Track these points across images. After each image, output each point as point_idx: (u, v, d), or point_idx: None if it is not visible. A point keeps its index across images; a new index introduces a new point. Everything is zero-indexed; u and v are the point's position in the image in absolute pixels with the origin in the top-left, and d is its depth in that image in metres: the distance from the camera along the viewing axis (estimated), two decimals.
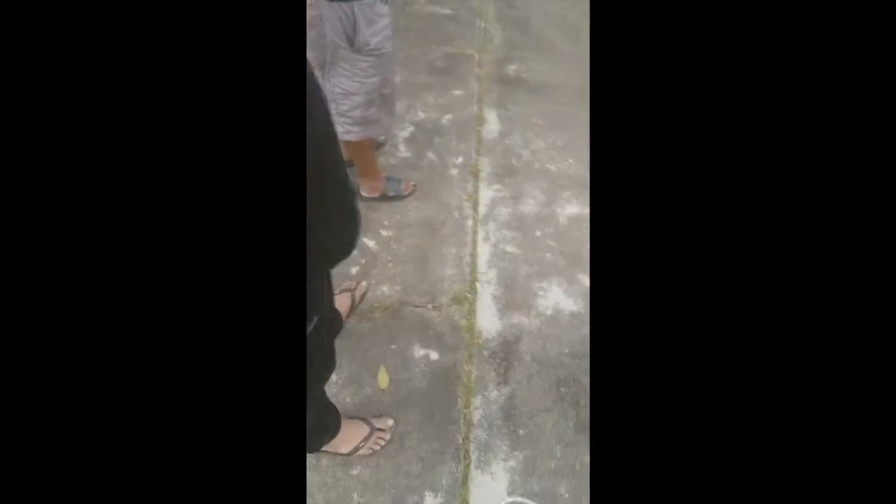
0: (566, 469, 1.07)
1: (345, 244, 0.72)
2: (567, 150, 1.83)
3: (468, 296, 1.36)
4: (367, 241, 1.52)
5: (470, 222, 1.58)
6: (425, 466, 1.06)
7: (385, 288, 1.38)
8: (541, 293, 1.37)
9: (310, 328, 0.70)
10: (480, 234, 1.55)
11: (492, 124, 1.93)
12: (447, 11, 2.54)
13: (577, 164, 1.78)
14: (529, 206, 1.63)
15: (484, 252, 1.49)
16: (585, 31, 2.40)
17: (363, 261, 1.46)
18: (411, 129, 1.91)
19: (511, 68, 2.20)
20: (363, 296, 1.35)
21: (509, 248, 1.50)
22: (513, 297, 1.36)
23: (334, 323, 1.00)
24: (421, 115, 1.96)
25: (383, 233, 1.55)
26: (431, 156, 1.81)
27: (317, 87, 0.57)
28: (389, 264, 1.45)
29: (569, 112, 1.97)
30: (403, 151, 1.82)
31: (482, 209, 1.62)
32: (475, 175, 1.74)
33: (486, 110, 1.99)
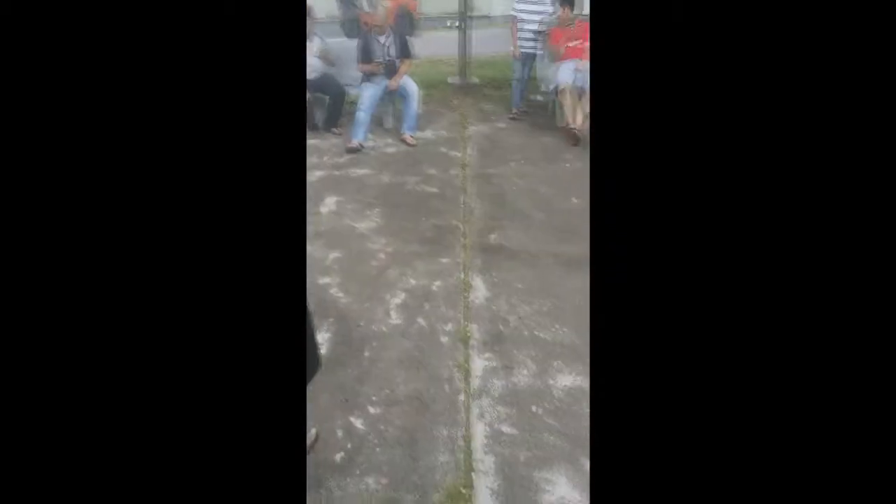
0: None
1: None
2: (553, 316, 1.87)
3: (463, 491, 1.23)
4: (354, 421, 1.43)
5: (462, 397, 1.52)
6: None
7: (370, 480, 1.25)
8: (545, 486, 1.25)
9: None
10: (474, 412, 1.47)
11: (478, 290, 2.00)
12: (434, 189, 2.84)
13: (564, 329, 1.81)
14: (523, 378, 1.59)
15: (479, 433, 1.40)
16: (554, 202, 2.68)
17: (349, 445, 1.35)
18: (403, 295, 1.96)
19: (492, 237, 2.37)
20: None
21: (505, 429, 1.41)
22: (514, 494, 1.23)
23: None
24: (412, 281, 2.04)
25: (371, 410, 1.47)
26: (422, 322, 1.82)
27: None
28: (377, 449, 1.34)
29: (548, 277, 2.07)
30: (395, 318, 1.84)
31: (474, 381, 1.58)
32: (465, 342, 1.73)
33: (473, 277, 2.08)
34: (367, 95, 3.48)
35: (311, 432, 1.35)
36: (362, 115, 3.45)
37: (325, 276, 2.06)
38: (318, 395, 1.49)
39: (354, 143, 3.42)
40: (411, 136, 3.48)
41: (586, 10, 3.98)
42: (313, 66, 3.56)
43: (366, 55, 3.53)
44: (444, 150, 3.42)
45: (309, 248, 2.20)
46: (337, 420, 1.43)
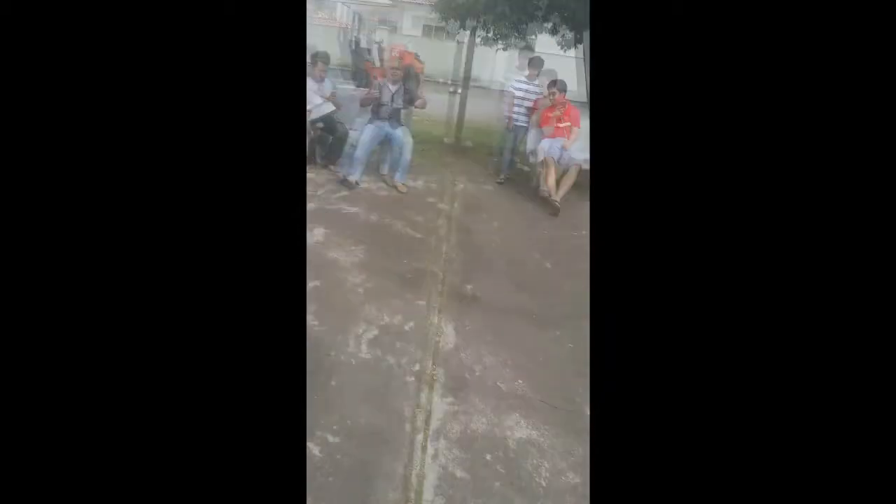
0: None
1: None
2: (516, 369, 1.95)
3: None
4: (313, 447, 1.44)
5: (420, 437, 1.55)
6: None
7: None
8: None
9: None
10: (430, 452, 1.50)
11: (449, 336, 2.07)
12: (419, 235, 2.97)
13: (525, 385, 1.88)
14: (480, 425, 1.64)
15: (432, 474, 1.43)
16: (529, 263, 2.84)
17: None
18: (376, 331, 2.01)
19: (468, 287, 2.48)
20: None
21: (458, 472, 1.45)
22: None
23: None
24: (386, 318, 2.10)
25: (331, 438, 1.48)
26: (390, 359, 1.87)
27: None
28: (330, 478, 1.35)
29: (518, 333, 2.17)
30: (365, 352, 1.88)
31: (434, 422, 1.62)
32: (430, 385, 1.78)
33: (445, 322, 2.16)
34: (365, 136, 3.69)
35: None
36: (359, 153, 3.65)
37: None
38: None
39: (350, 178, 3.58)
40: (403, 184, 3.66)
41: (579, 95, 4.40)
42: (321, 106, 3.78)
43: (374, 99, 3.80)
44: (432, 200, 3.60)
45: None
46: None
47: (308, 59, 3.75)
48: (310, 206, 3.13)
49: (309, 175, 3.71)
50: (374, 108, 3.79)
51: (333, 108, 3.86)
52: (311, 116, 3.69)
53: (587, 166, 3.71)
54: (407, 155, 3.70)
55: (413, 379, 1.79)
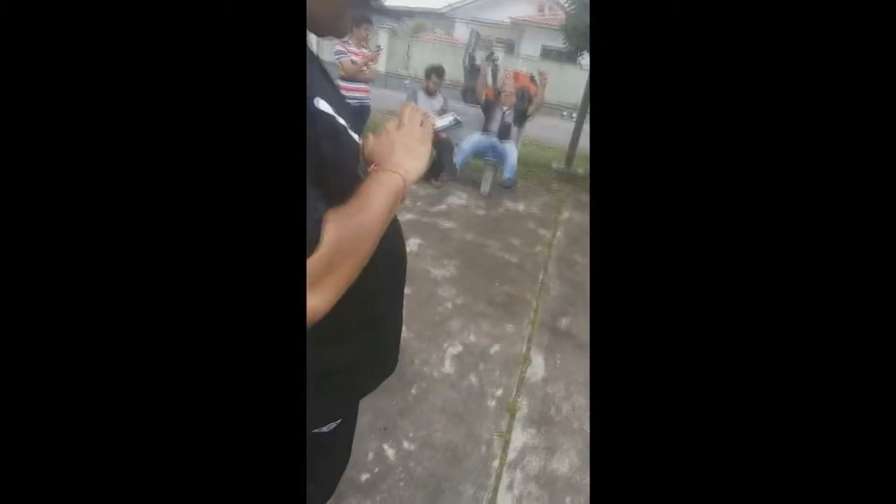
0: None
1: (385, 369, 0.75)
2: None
3: None
4: (388, 449, 1.44)
5: (496, 463, 1.48)
6: None
7: None
8: None
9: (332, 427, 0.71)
10: (505, 481, 1.42)
11: (537, 368, 1.98)
12: (514, 259, 2.92)
13: None
14: (562, 467, 1.52)
15: (504, 502, 1.35)
16: None
17: (377, 469, 1.36)
18: (461, 348, 1.99)
19: (563, 321, 2.36)
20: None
21: None
22: None
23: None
24: (472, 338, 2.07)
25: (406, 445, 1.47)
26: (473, 379, 1.83)
27: (398, 223, 0.66)
28: (401, 484, 1.33)
29: None
30: (448, 367, 1.86)
31: (512, 452, 1.53)
32: (512, 413, 1.70)
33: (534, 353, 2.06)
34: (471, 138, 3.86)
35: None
36: (464, 145, 3.84)
37: None
38: (361, 413, 1.53)
39: (452, 167, 3.81)
40: (509, 179, 3.80)
41: None
42: (444, 118, 3.95)
43: (487, 118, 3.91)
44: (532, 226, 3.53)
45: None
46: (371, 443, 1.45)
47: (424, 74, 3.96)
48: (407, 216, 3.25)
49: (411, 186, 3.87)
50: (484, 124, 3.88)
51: (454, 119, 4.00)
52: (454, 117, 3.87)
53: None
54: (513, 157, 3.82)
55: (494, 403, 1.73)
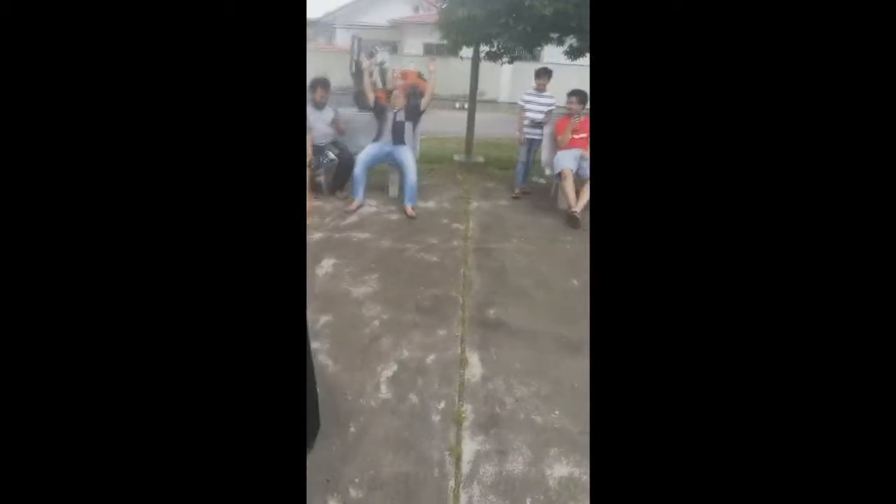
0: None
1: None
2: (551, 400, 1.80)
3: None
4: None
5: (451, 483, 1.41)
6: None
7: None
8: None
9: None
10: (463, 500, 1.36)
11: (474, 368, 1.94)
12: (434, 259, 2.86)
13: (562, 416, 1.72)
14: (517, 465, 1.49)
15: None
16: (556, 281, 2.69)
17: None
18: (395, 367, 1.88)
19: (491, 312, 2.34)
20: None
21: None
22: None
23: None
24: (405, 353, 1.98)
25: (353, 493, 1.35)
26: (413, 398, 1.74)
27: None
28: None
29: (549, 359, 2.02)
30: (385, 392, 1.75)
31: (465, 466, 1.47)
32: (458, 423, 1.64)
33: (470, 352, 2.02)
34: (364, 154, 3.64)
35: None
36: (358, 172, 3.59)
37: (314, 341, 1.99)
38: None
39: (353, 204, 3.53)
40: (412, 208, 3.56)
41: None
42: (325, 132, 3.75)
43: (379, 123, 3.77)
44: (445, 221, 3.50)
45: None
46: (313, 502, 1.31)
47: (308, 86, 3.74)
48: (318, 235, 3.06)
49: (316, 203, 3.66)
50: (378, 129, 3.75)
51: (336, 133, 3.83)
52: (312, 144, 3.66)
53: None
54: (412, 177, 3.59)
55: (439, 418, 1.65)
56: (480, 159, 5.20)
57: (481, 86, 5.40)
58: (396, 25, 13.92)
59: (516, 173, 4.24)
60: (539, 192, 4.22)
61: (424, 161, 4.74)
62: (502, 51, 4.42)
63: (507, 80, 11.65)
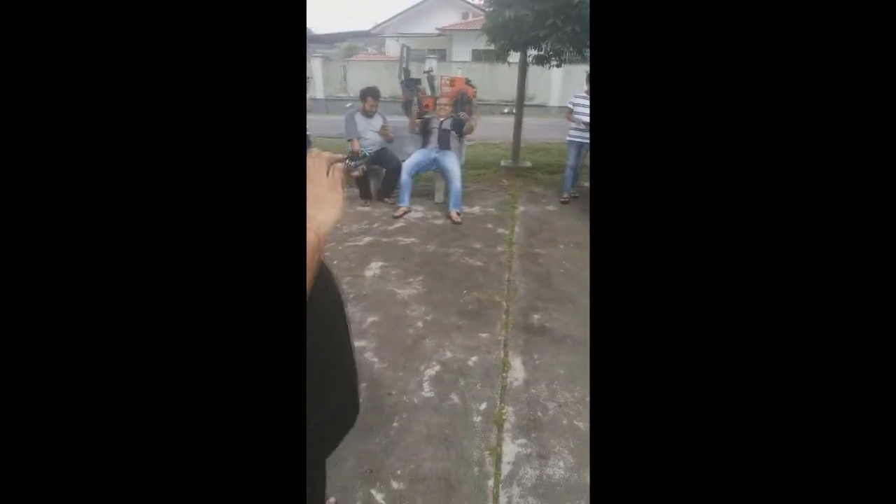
0: None
1: (345, 422, 0.76)
2: None
3: None
4: (376, 494, 1.36)
5: (491, 483, 1.42)
6: None
7: None
8: None
9: None
10: (502, 500, 1.37)
11: (517, 371, 1.94)
12: (479, 263, 2.89)
13: None
14: (558, 470, 1.48)
15: None
16: None
17: None
18: (438, 368, 1.92)
19: (535, 317, 2.33)
20: None
21: None
22: None
23: None
24: (448, 354, 2.01)
25: (394, 485, 1.39)
26: (455, 398, 1.77)
27: (329, 273, 0.64)
28: None
29: None
30: (427, 391, 1.80)
31: (505, 467, 1.48)
32: (499, 425, 1.65)
33: (512, 356, 2.02)
34: (411, 160, 3.73)
35: (330, 501, 1.30)
36: (404, 178, 3.68)
37: (360, 340, 2.07)
38: (343, 461, 1.44)
39: (400, 210, 3.62)
40: (457, 214, 3.60)
41: None
42: (373, 140, 3.88)
43: (424, 133, 3.84)
44: (491, 226, 3.51)
45: (350, 309, 2.26)
46: (358, 491, 1.37)
47: (359, 96, 3.89)
48: (366, 239, 3.17)
49: (364, 208, 3.79)
50: (424, 136, 3.83)
51: (385, 141, 3.95)
52: (362, 152, 3.79)
53: None
54: (457, 183, 3.63)
55: (480, 419, 1.67)
56: (528, 164, 5.16)
57: (531, 90, 5.38)
58: (444, 33, 14.15)
59: (564, 177, 4.18)
60: (588, 196, 4.13)
61: (471, 167, 4.78)
62: (550, 53, 4.37)
63: (557, 83, 11.49)
